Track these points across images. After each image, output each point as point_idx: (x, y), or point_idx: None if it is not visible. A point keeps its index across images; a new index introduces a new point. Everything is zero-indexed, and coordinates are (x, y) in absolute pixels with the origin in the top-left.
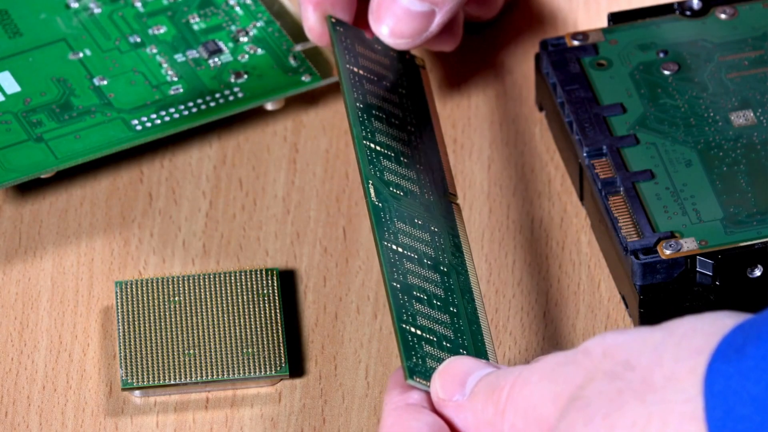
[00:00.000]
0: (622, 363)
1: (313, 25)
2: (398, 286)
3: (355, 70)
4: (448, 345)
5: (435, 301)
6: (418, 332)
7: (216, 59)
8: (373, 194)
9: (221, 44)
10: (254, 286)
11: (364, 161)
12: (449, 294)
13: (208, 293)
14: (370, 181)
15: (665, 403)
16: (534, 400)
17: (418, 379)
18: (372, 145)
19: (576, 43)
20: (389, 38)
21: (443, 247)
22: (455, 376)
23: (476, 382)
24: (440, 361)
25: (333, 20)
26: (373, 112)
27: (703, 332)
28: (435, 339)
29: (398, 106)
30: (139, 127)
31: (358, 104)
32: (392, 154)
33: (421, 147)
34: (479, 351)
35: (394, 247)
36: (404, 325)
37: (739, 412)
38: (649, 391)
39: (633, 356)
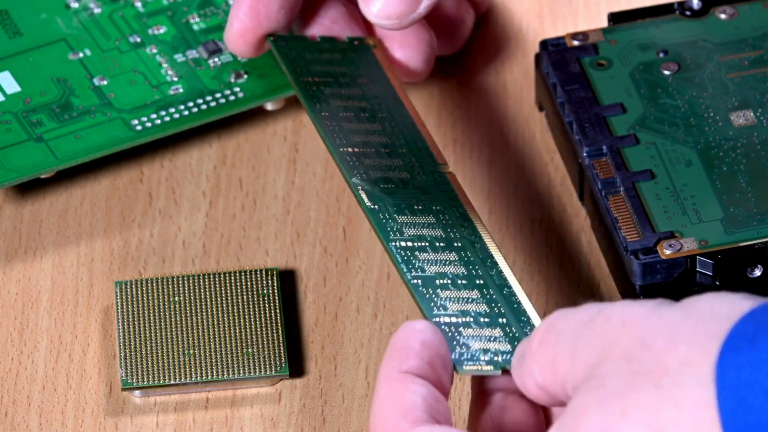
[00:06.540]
0: (638, 341)
1: (235, 34)
2: (419, 282)
3: (309, 79)
4: (486, 320)
5: (460, 281)
6: (454, 319)
7: (216, 59)
8: (366, 199)
9: (221, 44)
10: (254, 286)
11: (347, 171)
12: (471, 267)
13: (208, 293)
14: (359, 187)
15: (679, 388)
16: (557, 353)
17: (468, 366)
18: (350, 150)
19: (576, 43)
20: (377, 18)
21: (451, 223)
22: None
23: None
24: (484, 340)
25: (272, 38)
26: (341, 114)
27: (719, 315)
28: (471, 319)
29: (363, 98)
30: (139, 127)
31: (323, 114)
32: (372, 150)
33: (399, 129)
34: (516, 313)
35: (402, 244)
36: (438, 319)
37: (750, 404)
38: (663, 375)
39: (649, 334)
